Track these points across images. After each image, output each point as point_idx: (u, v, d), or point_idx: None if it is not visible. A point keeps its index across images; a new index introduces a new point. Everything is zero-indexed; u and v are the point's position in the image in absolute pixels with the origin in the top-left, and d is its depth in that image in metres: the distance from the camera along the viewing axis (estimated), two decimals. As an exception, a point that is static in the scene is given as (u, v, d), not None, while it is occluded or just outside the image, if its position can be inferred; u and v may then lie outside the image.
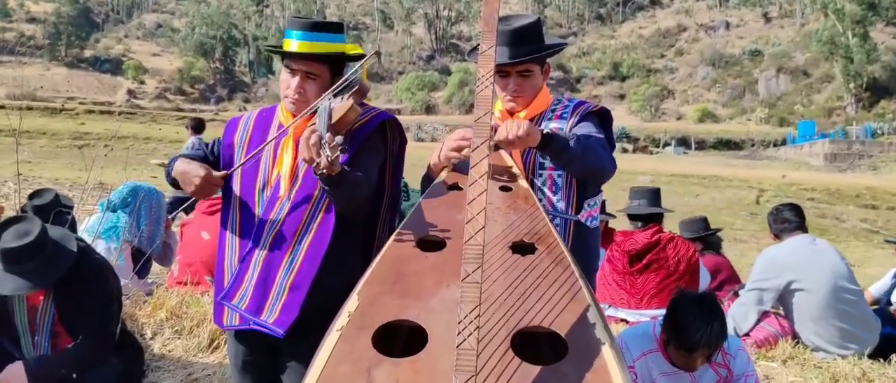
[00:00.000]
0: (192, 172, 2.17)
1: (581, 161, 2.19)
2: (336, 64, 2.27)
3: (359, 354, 1.44)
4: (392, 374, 1.38)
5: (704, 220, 5.44)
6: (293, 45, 2.19)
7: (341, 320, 1.54)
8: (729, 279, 5.18)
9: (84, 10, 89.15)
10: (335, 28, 2.25)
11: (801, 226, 4.32)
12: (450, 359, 1.31)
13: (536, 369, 1.38)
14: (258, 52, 76.01)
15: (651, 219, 4.76)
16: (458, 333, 1.31)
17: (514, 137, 2.02)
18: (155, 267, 5.37)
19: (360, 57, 2.29)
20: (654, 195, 4.90)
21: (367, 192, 2.17)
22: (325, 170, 1.89)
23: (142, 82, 73.76)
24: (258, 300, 2.16)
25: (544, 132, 2.14)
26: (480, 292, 1.39)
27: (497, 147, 2.26)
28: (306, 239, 2.15)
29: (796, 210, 4.40)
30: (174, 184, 2.29)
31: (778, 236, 4.31)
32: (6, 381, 2.75)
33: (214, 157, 2.40)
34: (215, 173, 2.20)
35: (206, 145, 2.47)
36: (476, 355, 1.28)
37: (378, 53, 2.36)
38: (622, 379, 1.37)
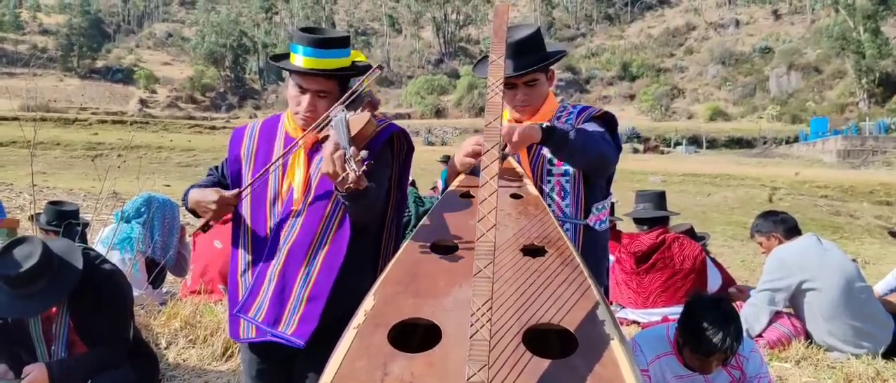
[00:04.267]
0: (205, 200, 2.20)
1: (582, 152, 2.24)
2: (343, 78, 2.28)
3: (375, 350, 1.48)
4: (407, 368, 1.42)
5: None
6: (299, 60, 2.17)
7: (358, 318, 1.59)
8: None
9: (95, 20, 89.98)
10: (342, 43, 2.21)
11: (799, 228, 4.36)
12: (463, 354, 1.35)
13: (547, 363, 1.42)
14: (267, 60, 76.37)
15: (657, 222, 4.78)
16: (471, 325, 1.35)
17: (512, 144, 2.12)
18: (169, 276, 5.41)
19: (366, 66, 2.29)
20: (659, 198, 4.92)
21: (381, 205, 2.20)
22: (352, 185, 1.88)
23: (153, 91, 74.34)
24: (275, 312, 2.16)
25: (544, 127, 2.20)
26: (492, 286, 1.43)
27: (504, 156, 2.30)
28: (322, 251, 2.15)
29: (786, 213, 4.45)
30: (194, 213, 2.33)
31: (786, 238, 4.30)
32: (31, 382, 2.78)
33: (225, 179, 2.43)
34: (227, 194, 2.22)
35: (217, 169, 2.50)
36: (488, 346, 1.33)
37: (381, 67, 2.37)
38: (632, 372, 1.40)
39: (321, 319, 2.11)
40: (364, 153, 1.86)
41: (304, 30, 2.21)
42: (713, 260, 5.01)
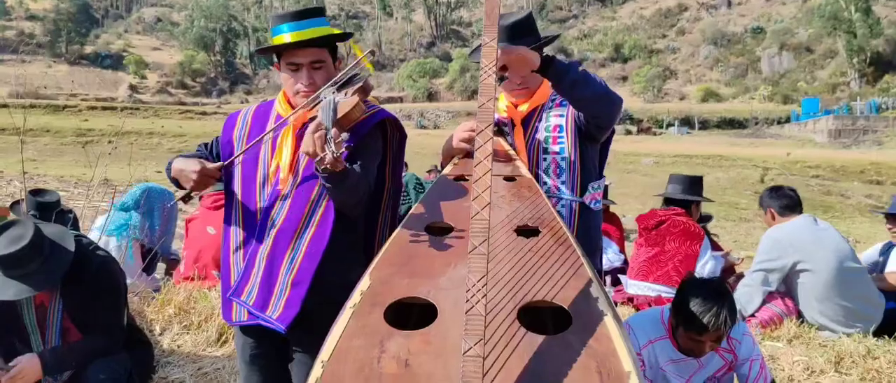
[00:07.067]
0: (188, 169, 2.21)
1: (585, 85, 2.25)
2: (333, 48, 2.31)
3: (372, 328, 1.50)
4: (404, 346, 1.44)
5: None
6: (286, 37, 2.19)
7: (354, 298, 1.61)
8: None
9: (83, 5, 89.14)
10: (319, 12, 2.27)
11: (801, 206, 4.36)
12: (458, 331, 1.37)
13: (542, 338, 1.44)
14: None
15: (680, 204, 4.83)
16: (467, 301, 1.37)
17: (511, 62, 2.21)
18: (160, 264, 5.39)
19: (345, 36, 2.35)
20: (689, 182, 5.00)
21: (364, 190, 2.16)
22: (328, 166, 1.90)
23: (143, 77, 73.79)
24: (264, 296, 2.18)
25: (544, 55, 2.26)
26: (487, 263, 1.45)
27: (502, 78, 2.34)
28: (307, 235, 2.16)
29: (794, 191, 4.45)
30: (176, 183, 2.34)
31: (780, 214, 4.32)
32: (21, 372, 2.78)
33: (214, 156, 2.44)
34: (210, 165, 2.24)
35: (206, 145, 2.50)
36: (484, 320, 1.34)
37: (373, 52, 2.39)
38: (625, 347, 1.42)
39: (306, 304, 2.12)
40: (344, 135, 1.87)
41: (278, 15, 2.26)
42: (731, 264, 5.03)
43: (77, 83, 68.16)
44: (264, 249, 2.20)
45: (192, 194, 2.30)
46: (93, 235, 4.57)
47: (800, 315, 4.20)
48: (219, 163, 2.27)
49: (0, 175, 14.68)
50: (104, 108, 45.78)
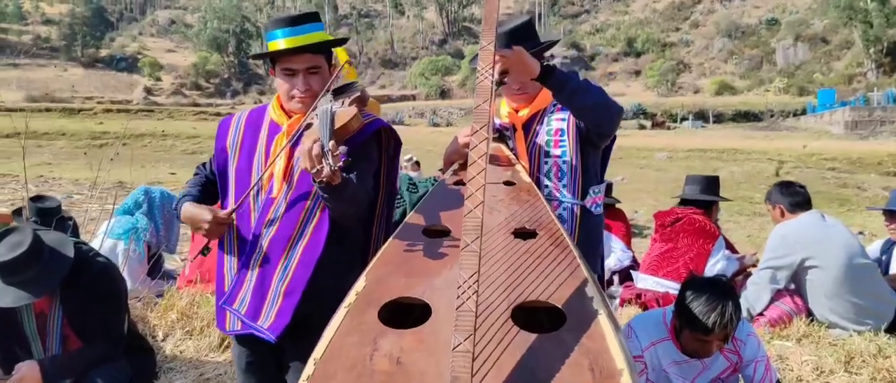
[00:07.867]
0: (199, 217, 2.18)
1: (586, 93, 2.26)
2: (328, 53, 2.30)
3: (366, 327, 1.51)
4: (397, 344, 1.45)
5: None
6: (281, 43, 2.17)
7: (349, 298, 1.63)
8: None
9: (98, 9, 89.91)
10: (314, 17, 2.25)
11: (810, 202, 4.31)
12: (452, 331, 1.38)
13: (535, 336, 1.45)
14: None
15: (699, 204, 4.80)
16: (458, 297, 1.37)
17: (513, 64, 2.22)
18: (166, 267, 5.39)
19: (340, 41, 2.35)
20: (707, 182, 5.00)
21: (363, 199, 2.15)
22: (325, 179, 1.87)
23: (158, 79, 74.35)
24: (256, 304, 2.17)
25: (544, 64, 2.27)
26: (480, 260, 1.45)
27: (501, 83, 2.34)
28: (300, 244, 2.15)
29: (803, 187, 4.40)
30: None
31: (790, 211, 4.26)
32: (22, 379, 2.79)
33: (213, 174, 2.40)
34: (221, 213, 2.19)
35: (204, 166, 2.48)
36: (475, 316, 1.35)
37: (352, 59, 2.39)
38: (618, 344, 1.42)
39: (299, 312, 2.12)
40: (343, 148, 1.85)
41: (274, 19, 2.25)
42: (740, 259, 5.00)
43: (92, 86, 68.74)
44: (257, 257, 2.19)
45: (210, 246, 2.26)
46: (98, 240, 4.59)
47: (809, 313, 4.14)
48: (229, 210, 2.22)
49: (16, 179, 14.84)
50: (119, 111, 46.12)
